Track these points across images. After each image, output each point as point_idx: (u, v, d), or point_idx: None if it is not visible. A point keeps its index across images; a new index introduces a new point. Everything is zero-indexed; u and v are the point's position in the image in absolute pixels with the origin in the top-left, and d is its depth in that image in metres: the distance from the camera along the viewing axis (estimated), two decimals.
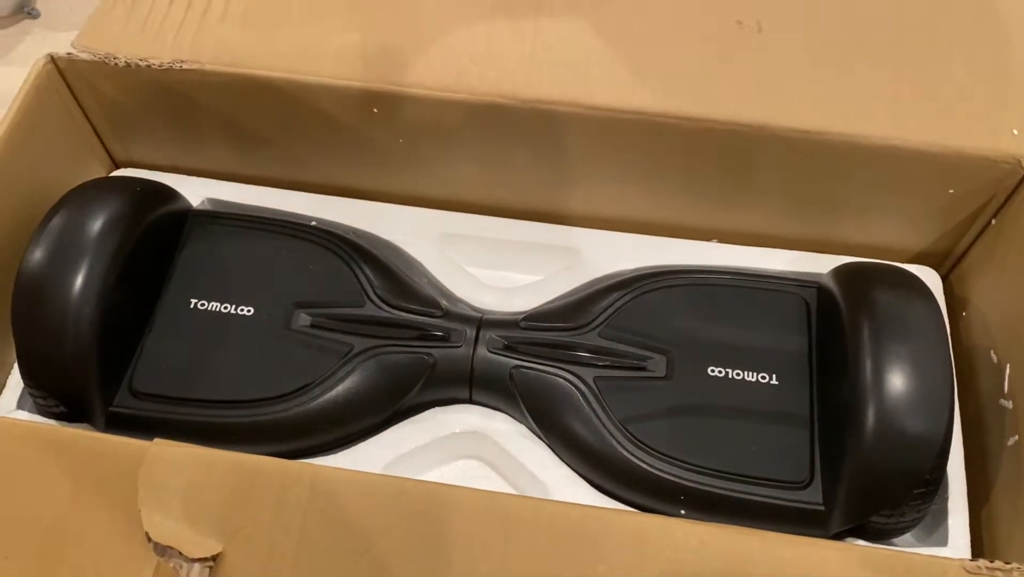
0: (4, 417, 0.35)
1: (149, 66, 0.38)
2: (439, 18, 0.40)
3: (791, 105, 0.37)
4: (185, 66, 0.38)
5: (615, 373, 0.36)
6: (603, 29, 0.39)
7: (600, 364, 0.37)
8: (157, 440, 0.29)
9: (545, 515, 0.28)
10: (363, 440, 0.38)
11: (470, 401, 0.38)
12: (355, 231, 0.42)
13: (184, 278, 0.39)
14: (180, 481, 0.29)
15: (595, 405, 0.36)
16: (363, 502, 0.28)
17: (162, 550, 0.28)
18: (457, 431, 0.38)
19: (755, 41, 0.39)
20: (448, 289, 0.41)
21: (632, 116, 0.38)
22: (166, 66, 0.38)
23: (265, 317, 0.38)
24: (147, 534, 0.28)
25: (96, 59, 0.38)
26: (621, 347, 0.37)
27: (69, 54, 0.39)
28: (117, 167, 0.45)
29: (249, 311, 0.38)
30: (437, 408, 0.38)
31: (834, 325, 0.36)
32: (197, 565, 0.28)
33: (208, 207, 0.43)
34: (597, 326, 0.38)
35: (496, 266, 0.43)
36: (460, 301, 0.40)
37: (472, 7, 0.40)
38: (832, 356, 0.36)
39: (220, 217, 0.41)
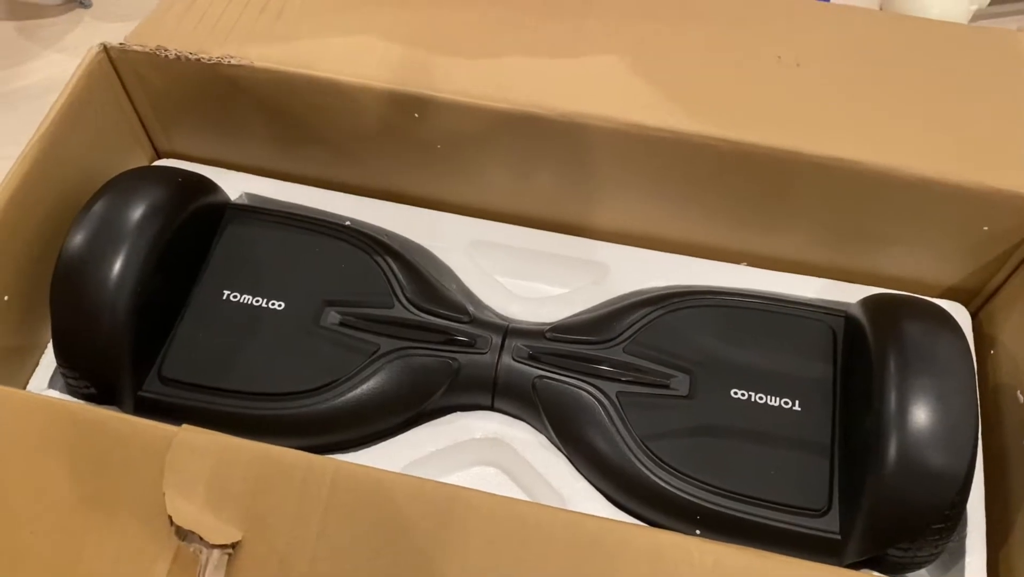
0: (39, 394, 0.36)
1: (199, 60, 0.39)
2: (483, 29, 0.40)
3: (828, 134, 0.38)
4: (233, 61, 0.39)
5: (638, 389, 0.37)
6: (643, 53, 0.40)
7: (623, 379, 0.37)
8: (185, 426, 0.30)
9: (562, 524, 0.28)
10: (384, 440, 0.38)
11: (492, 408, 0.38)
12: (388, 233, 0.42)
13: (218, 270, 0.40)
14: (205, 467, 0.29)
15: (616, 420, 0.36)
16: (383, 500, 0.29)
17: (183, 534, 0.28)
18: (478, 437, 0.38)
19: (793, 74, 0.40)
20: (476, 296, 0.41)
21: (668, 135, 0.38)
22: (215, 60, 0.39)
23: (295, 312, 0.38)
24: (170, 518, 0.28)
25: (147, 50, 0.39)
26: (645, 364, 0.37)
27: (121, 44, 0.39)
28: (159, 157, 0.46)
29: (280, 306, 0.38)
30: (459, 413, 0.39)
31: (861, 355, 0.36)
32: (216, 551, 0.28)
33: (245, 201, 0.44)
34: (622, 341, 0.38)
35: (525, 276, 0.43)
36: (487, 308, 0.41)
37: (516, 21, 0.41)
38: (857, 386, 0.36)
39: (257, 212, 0.42)
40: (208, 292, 0.39)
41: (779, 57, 0.40)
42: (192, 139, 0.45)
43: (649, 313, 0.39)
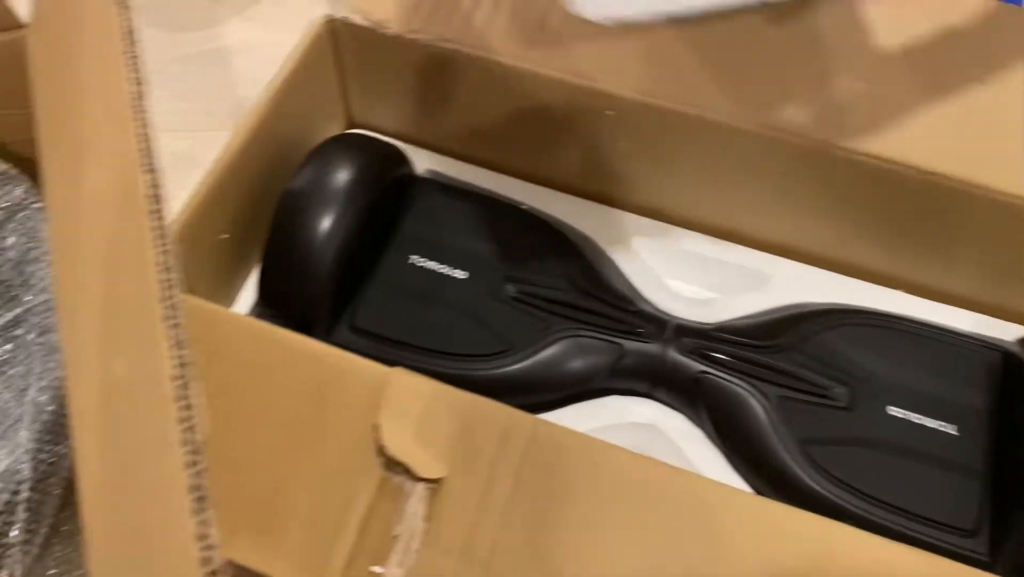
0: (272, 325, 0.39)
1: (415, 40, 0.42)
2: (681, 36, 0.42)
3: (1013, 168, 0.38)
4: (447, 45, 0.42)
5: (799, 396, 0.38)
6: (834, 66, 0.41)
7: (785, 385, 0.38)
8: (397, 368, 0.32)
9: (743, 505, 0.30)
10: (546, 411, 0.40)
11: (649, 396, 0.40)
12: (561, 222, 0.45)
13: (407, 235, 0.42)
14: (416, 407, 0.31)
15: (777, 422, 0.37)
16: (577, 459, 0.31)
17: (391, 465, 0.31)
18: (635, 421, 0.40)
19: (982, 93, 0.40)
20: (640, 290, 0.43)
21: (853, 157, 0.39)
22: (429, 42, 0.42)
23: (477, 282, 0.41)
24: (381, 448, 0.31)
25: (369, 25, 0.42)
26: (807, 373, 0.39)
27: (345, 17, 0.43)
28: (351, 126, 0.49)
29: (463, 274, 0.41)
30: (617, 396, 0.41)
31: (1021, 390, 0.37)
32: (421, 485, 0.31)
33: (429, 177, 0.47)
34: (786, 349, 0.39)
35: (686, 278, 0.45)
36: (650, 303, 0.43)
37: (714, 31, 0.42)
38: (1017, 419, 0.37)
39: (444, 186, 0.45)
40: (397, 255, 0.42)
41: (981, 82, 0.40)
42: (385, 112, 0.48)
43: (813, 325, 0.40)
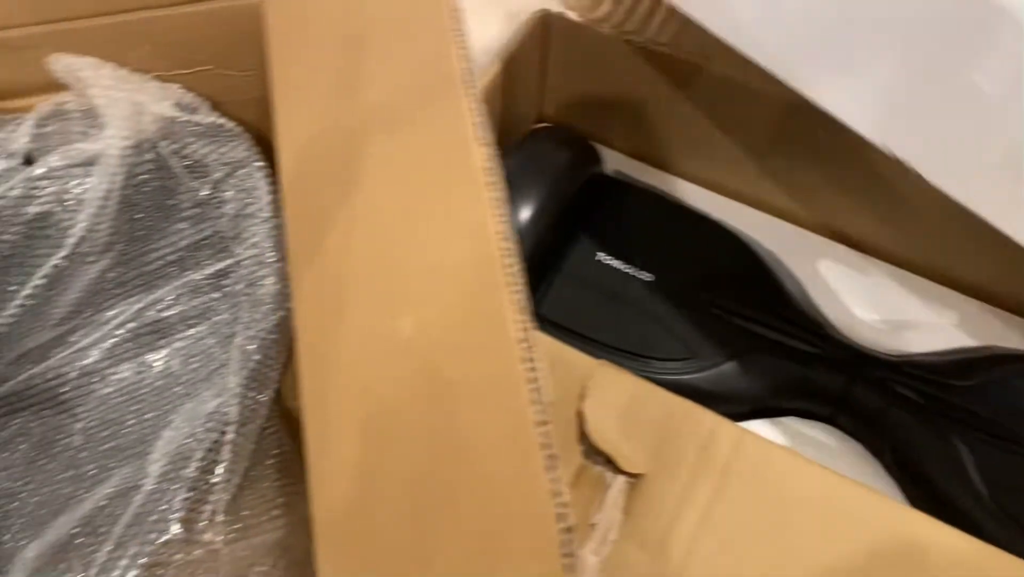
0: None
1: (629, 40, 0.42)
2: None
3: None
4: (660, 49, 0.42)
5: (990, 440, 0.37)
6: None
7: (977, 427, 0.37)
8: (603, 361, 0.33)
9: (952, 541, 0.29)
10: None
11: (829, 422, 0.40)
12: (747, 235, 0.45)
13: (595, 232, 0.43)
14: (620, 401, 0.32)
15: (966, 466, 0.36)
16: (783, 474, 0.30)
17: (591, 454, 0.31)
18: (813, 445, 0.39)
19: None
20: (825, 313, 0.43)
21: None
22: (641, 44, 0.42)
23: (662, 286, 0.41)
24: (586, 435, 0.31)
25: (584, 22, 0.43)
26: (1000, 418, 0.37)
27: (561, 13, 0.43)
28: (540, 120, 0.50)
29: (649, 277, 0.41)
30: (794, 417, 0.40)
31: None
32: (622, 478, 0.31)
33: (617, 177, 0.47)
34: (977, 391, 0.38)
35: (868, 306, 0.44)
36: (836, 328, 0.42)
37: None
38: None
39: (633, 188, 0.45)
40: (584, 250, 0.42)
41: None
42: (574, 109, 0.48)
43: (1006, 369, 0.39)
